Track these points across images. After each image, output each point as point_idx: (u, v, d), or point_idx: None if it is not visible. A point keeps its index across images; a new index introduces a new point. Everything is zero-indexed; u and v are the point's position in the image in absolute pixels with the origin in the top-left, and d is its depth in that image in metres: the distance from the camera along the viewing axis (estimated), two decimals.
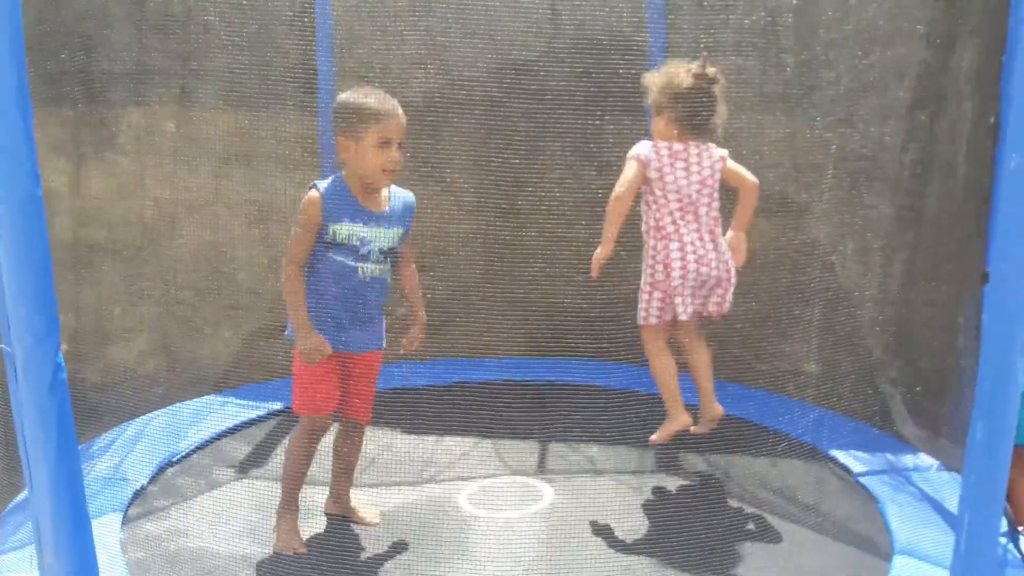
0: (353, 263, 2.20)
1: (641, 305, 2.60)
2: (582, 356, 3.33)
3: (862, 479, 2.59)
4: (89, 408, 2.62)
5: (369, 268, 2.22)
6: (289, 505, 2.26)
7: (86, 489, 2.18)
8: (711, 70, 2.58)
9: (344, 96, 2.25)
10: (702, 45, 3.39)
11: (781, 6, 3.32)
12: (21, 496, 2.27)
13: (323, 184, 2.21)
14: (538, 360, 3.44)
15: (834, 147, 3.23)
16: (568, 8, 3.58)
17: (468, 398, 2.78)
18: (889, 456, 2.71)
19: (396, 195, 2.30)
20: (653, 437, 2.56)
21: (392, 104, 2.20)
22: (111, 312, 3.99)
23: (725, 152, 2.63)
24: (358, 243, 2.19)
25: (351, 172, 2.22)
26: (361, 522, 2.37)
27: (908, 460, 2.68)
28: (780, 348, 3.43)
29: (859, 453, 2.72)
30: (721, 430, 2.65)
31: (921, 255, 3.00)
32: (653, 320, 2.57)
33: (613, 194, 2.57)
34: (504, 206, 3.70)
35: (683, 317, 2.51)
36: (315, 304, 2.20)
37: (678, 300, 2.50)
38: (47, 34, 3.58)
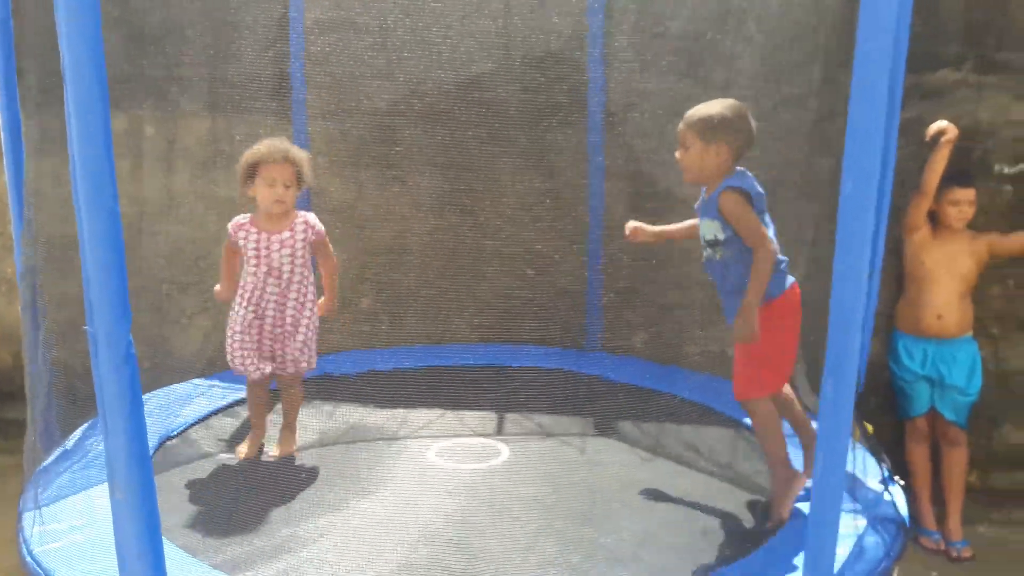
0: None
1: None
2: (531, 342, 3.80)
3: None
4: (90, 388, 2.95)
5: None
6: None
7: (96, 461, 2.56)
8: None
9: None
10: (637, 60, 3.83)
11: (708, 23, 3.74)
12: (49, 459, 2.59)
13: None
14: (496, 345, 3.86)
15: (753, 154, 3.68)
16: (517, 29, 3.96)
17: (438, 377, 3.21)
18: None
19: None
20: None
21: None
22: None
23: None
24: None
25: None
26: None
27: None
28: (710, 334, 3.89)
29: None
30: (654, 403, 3.12)
31: (816, 251, 3.47)
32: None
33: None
34: (461, 205, 4.09)
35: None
36: None
37: None
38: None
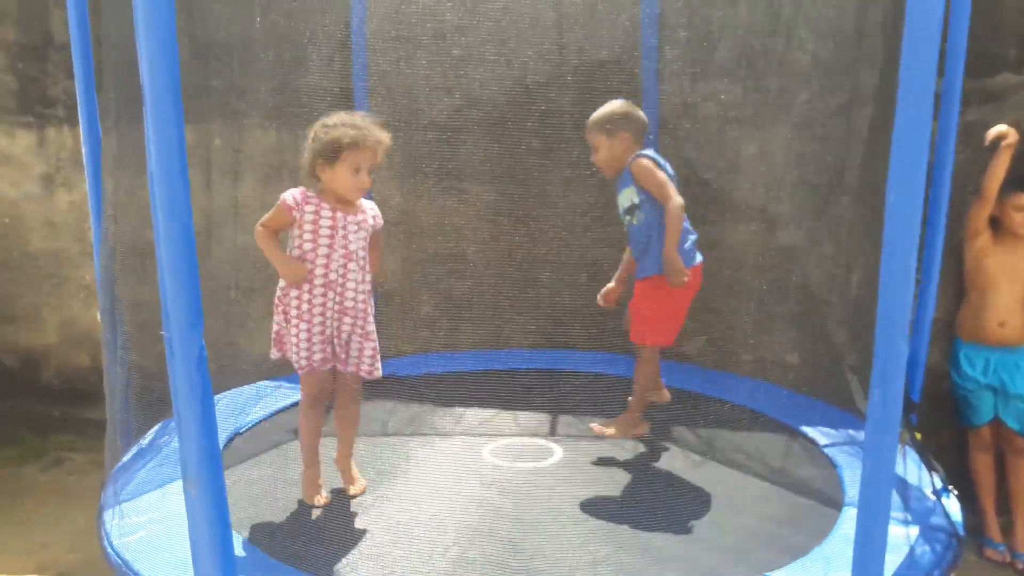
0: None
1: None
2: (584, 348, 3.85)
3: (826, 449, 3.05)
4: (164, 388, 3.10)
5: None
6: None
7: (168, 459, 2.69)
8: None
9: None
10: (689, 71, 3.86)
11: (763, 33, 3.75)
12: (126, 457, 2.74)
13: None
14: (549, 350, 3.93)
15: (808, 161, 3.68)
16: (571, 42, 4.02)
17: (492, 380, 3.30)
18: (850, 431, 3.15)
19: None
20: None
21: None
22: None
23: None
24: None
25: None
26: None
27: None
28: (762, 340, 3.90)
29: (825, 428, 3.18)
30: (708, 409, 3.14)
31: (873, 258, 3.45)
32: None
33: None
34: (515, 214, 4.17)
35: None
36: None
37: None
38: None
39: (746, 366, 3.92)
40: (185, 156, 1.68)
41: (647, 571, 2.24)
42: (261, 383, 3.58)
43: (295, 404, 3.38)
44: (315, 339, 2.55)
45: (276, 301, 2.61)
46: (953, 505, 2.58)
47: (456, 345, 4.12)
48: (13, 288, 4.81)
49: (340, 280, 2.56)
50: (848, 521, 2.50)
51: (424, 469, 2.89)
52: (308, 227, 2.54)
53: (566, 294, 4.03)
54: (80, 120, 2.68)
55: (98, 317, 4.75)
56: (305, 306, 2.55)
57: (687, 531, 2.46)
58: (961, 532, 2.45)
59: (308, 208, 2.54)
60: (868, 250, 3.36)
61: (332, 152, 2.51)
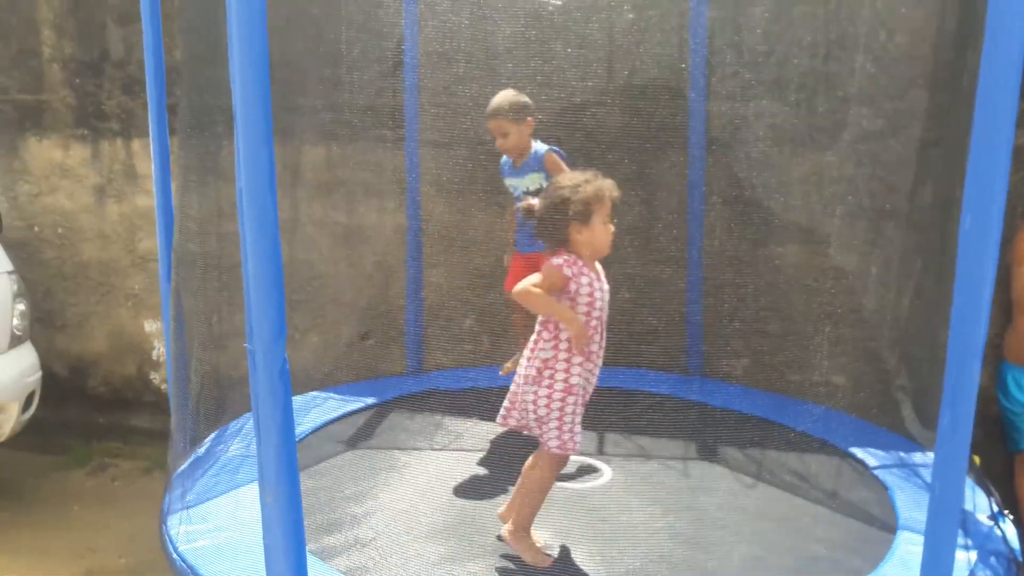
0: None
1: None
2: (632, 366, 3.87)
3: (875, 471, 3.04)
4: (221, 396, 3.16)
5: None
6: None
7: (227, 466, 2.74)
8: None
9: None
10: (738, 89, 3.89)
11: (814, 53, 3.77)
12: (187, 463, 2.79)
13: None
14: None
15: (857, 182, 3.69)
16: (620, 59, 4.07)
17: None
18: (900, 453, 3.15)
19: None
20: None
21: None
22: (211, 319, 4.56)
23: None
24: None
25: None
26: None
27: (916, 457, 3.13)
28: (809, 361, 3.90)
29: (874, 450, 3.18)
30: (757, 430, 3.14)
31: (924, 281, 3.45)
32: None
33: None
34: None
35: None
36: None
37: None
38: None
39: (794, 387, 3.92)
40: (274, 172, 1.73)
41: None
42: (311, 393, 3.63)
43: (343, 416, 3.45)
44: (578, 416, 2.40)
45: (534, 372, 2.40)
46: (1010, 530, 2.57)
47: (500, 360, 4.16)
48: (65, 297, 4.91)
49: (598, 352, 2.44)
50: (903, 544, 2.51)
51: (471, 481, 2.91)
52: (584, 298, 2.38)
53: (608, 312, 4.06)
54: (151, 132, 2.75)
55: (145, 327, 4.85)
56: (575, 379, 2.38)
57: (744, 554, 2.46)
58: (1020, 557, 2.44)
59: (584, 279, 2.39)
60: (920, 272, 3.37)
61: (586, 208, 2.38)
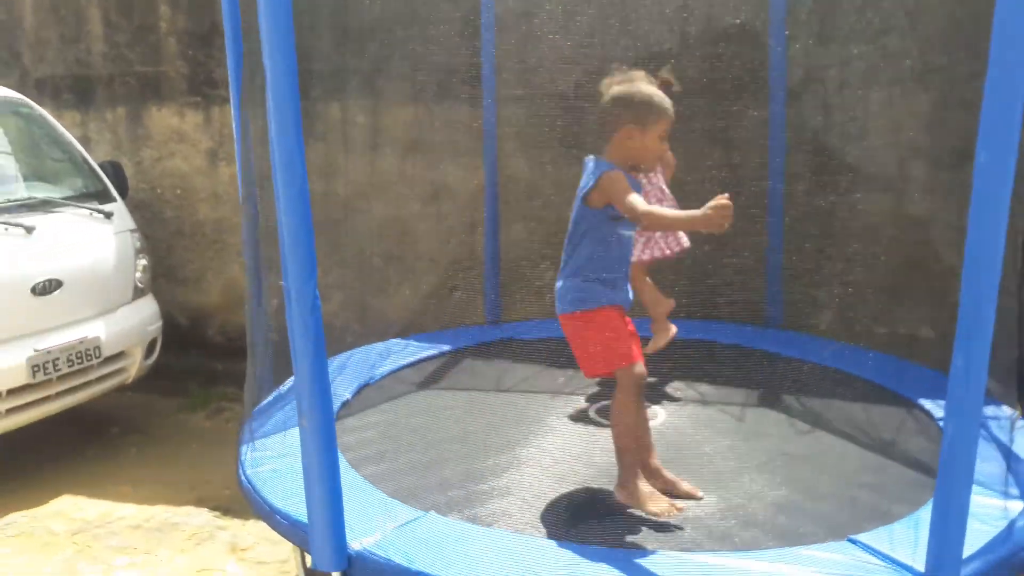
0: (628, 232, 2.40)
1: None
2: (708, 318, 3.88)
3: (941, 422, 2.96)
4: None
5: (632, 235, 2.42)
6: (636, 470, 2.34)
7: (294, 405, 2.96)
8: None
9: (634, 88, 2.29)
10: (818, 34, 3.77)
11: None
12: (262, 403, 3.05)
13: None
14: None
15: (939, 128, 3.53)
16: (698, 7, 4.02)
17: None
18: None
19: None
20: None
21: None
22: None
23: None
24: None
25: (622, 156, 2.30)
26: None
27: (988, 410, 3.01)
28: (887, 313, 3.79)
29: (942, 402, 3.07)
30: (822, 378, 3.11)
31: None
32: None
33: None
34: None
35: None
36: (601, 270, 2.35)
37: None
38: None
39: (877, 339, 3.83)
40: (300, 124, 1.89)
41: (730, 531, 2.28)
42: (391, 340, 3.84)
43: (418, 361, 3.64)
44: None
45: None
46: None
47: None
48: (185, 254, 5.34)
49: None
50: None
51: (532, 425, 3.03)
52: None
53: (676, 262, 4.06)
54: (231, 99, 2.98)
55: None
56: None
57: (779, 497, 2.47)
58: None
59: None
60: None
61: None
